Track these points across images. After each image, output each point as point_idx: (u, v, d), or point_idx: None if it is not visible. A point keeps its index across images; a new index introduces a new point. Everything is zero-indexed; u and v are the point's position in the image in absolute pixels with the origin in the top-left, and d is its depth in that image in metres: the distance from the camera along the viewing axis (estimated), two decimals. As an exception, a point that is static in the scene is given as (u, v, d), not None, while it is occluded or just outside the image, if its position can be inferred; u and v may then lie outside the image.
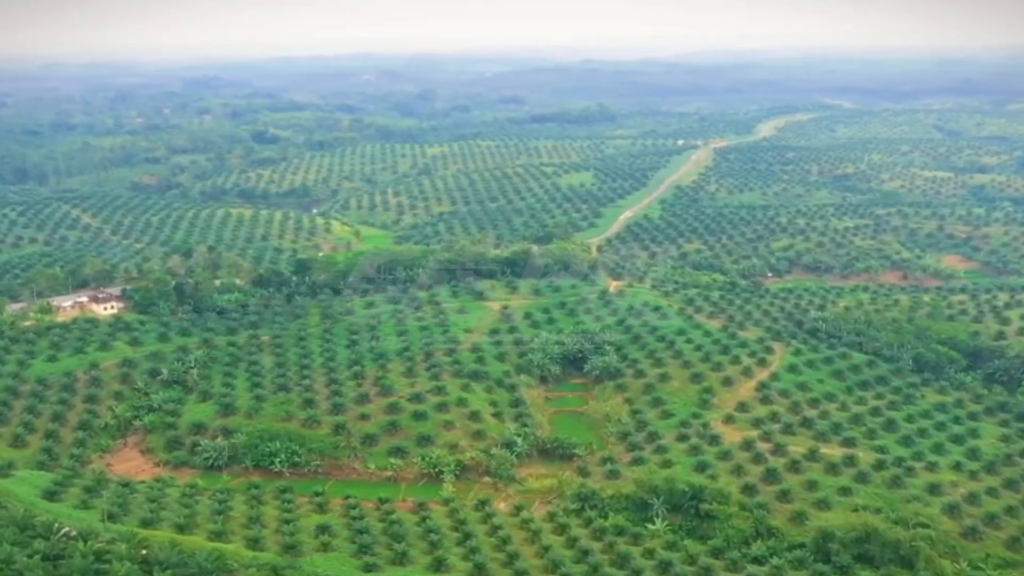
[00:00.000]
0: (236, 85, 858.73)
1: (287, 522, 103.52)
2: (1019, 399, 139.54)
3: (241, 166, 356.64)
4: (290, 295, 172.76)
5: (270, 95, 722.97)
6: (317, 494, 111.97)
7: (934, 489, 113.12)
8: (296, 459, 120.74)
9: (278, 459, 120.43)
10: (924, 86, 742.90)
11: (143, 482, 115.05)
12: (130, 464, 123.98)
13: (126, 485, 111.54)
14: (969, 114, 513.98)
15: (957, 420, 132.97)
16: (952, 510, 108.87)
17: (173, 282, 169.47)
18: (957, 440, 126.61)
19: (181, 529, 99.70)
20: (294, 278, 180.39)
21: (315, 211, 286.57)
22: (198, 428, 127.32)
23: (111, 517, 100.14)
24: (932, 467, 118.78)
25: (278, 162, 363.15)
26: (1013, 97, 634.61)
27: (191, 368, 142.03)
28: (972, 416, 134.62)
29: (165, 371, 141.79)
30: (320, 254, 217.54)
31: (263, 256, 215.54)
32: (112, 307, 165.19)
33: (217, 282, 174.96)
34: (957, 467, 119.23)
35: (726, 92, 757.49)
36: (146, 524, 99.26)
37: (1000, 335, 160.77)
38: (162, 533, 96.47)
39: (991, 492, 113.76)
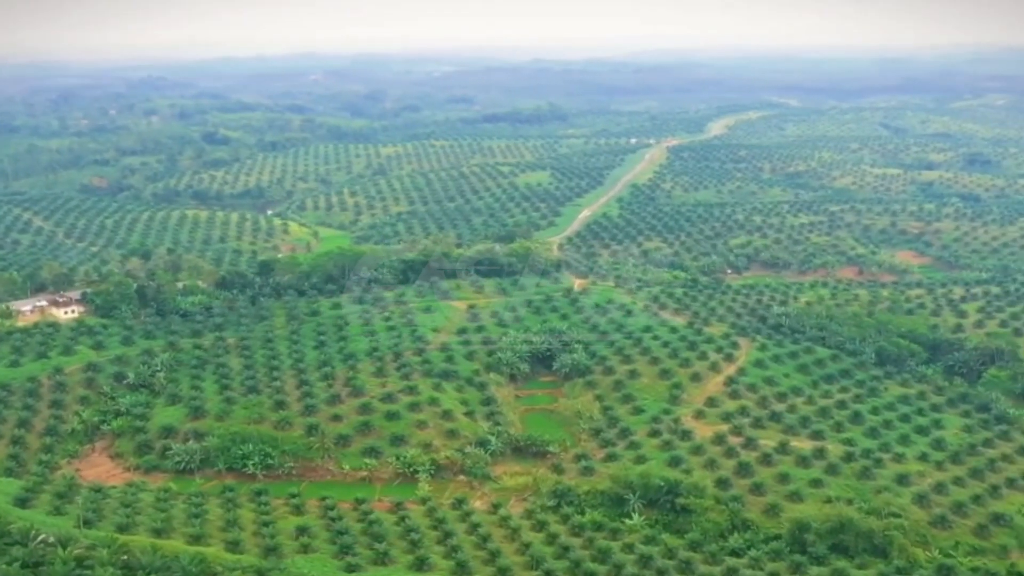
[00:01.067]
0: (181, 86, 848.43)
1: (265, 524, 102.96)
2: (979, 390, 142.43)
3: (193, 167, 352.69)
4: (254, 297, 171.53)
5: (217, 96, 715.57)
6: (293, 496, 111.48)
7: (903, 479, 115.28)
8: (269, 461, 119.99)
9: (251, 461, 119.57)
10: (868, 84, 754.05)
11: (115, 487, 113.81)
12: (100, 469, 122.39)
13: (98, 490, 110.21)
14: (914, 112, 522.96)
15: (921, 412, 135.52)
16: (921, 500, 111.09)
17: (135, 285, 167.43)
18: (922, 431, 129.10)
19: (158, 533, 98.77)
20: (257, 279, 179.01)
21: (270, 212, 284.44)
22: (168, 432, 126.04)
23: (86, 523, 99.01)
24: (899, 458, 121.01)
25: (231, 163, 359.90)
26: (955, 95, 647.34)
27: (158, 371, 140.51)
28: (935, 408, 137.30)
29: (131, 375, 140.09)
30: (279, 255, 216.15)
31: (222, 258, 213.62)
32: (73, 311, 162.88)
33: (179, 284, 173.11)
34: (923, 458, 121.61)
35: (674, 91, 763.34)
36: (122, 529, 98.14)
37: (958, 328, 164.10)
38: (140, 538, 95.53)
39: (958, 481, 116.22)
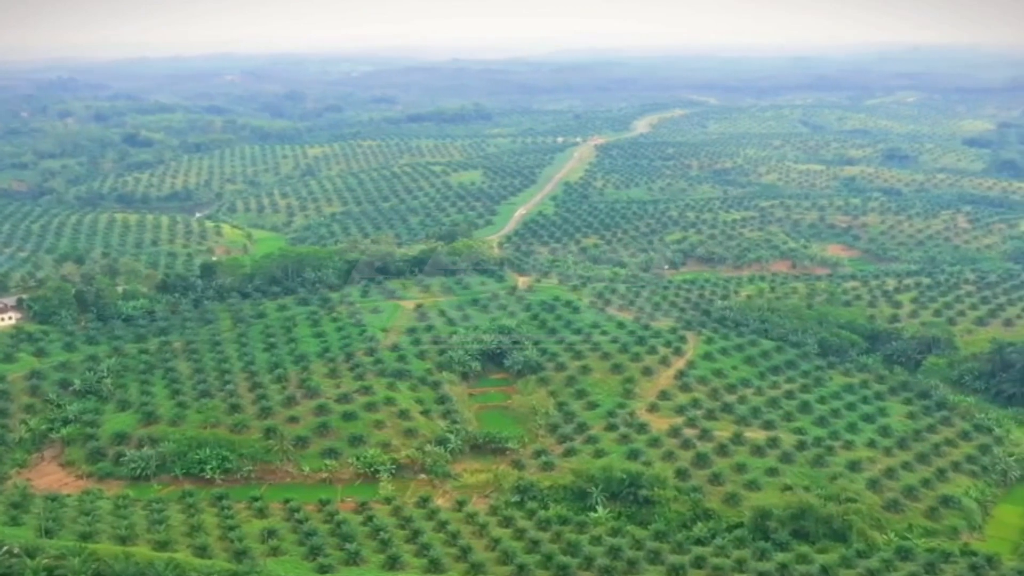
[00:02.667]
0: (94, 87, 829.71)
1: (230, 528, 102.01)
2: (919, 378, 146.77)
3: (116, 170, 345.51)
4: (197, 300, 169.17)
5: (132, 97, 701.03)
6: (255, 499, 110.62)
7: (854, 466, 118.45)
8: (227, 465, 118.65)
9: (209, 466, 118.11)
10: (783, 83, 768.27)
11: (70, 496, 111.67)
12: (51, 478, 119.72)
13: (55, 499, 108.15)
14: (831, 109, 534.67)
15: (865, 400, 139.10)
16: (874, 485, 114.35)
17: (73, 290, 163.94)
18: (868, 419, 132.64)
19: (123, 541, 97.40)
20: (199, 282, 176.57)
21: (199, 215, 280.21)
22: (120, 438, 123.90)
23: (47, 532, 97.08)
24: (849, 445, 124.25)
25: (155, 165, 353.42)
26: (868, 93, 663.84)
27: (104, 377, 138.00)
28: (878, 396, 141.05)
29: (77, 381, 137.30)
30: (214, 258, 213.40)
31: (157, 261, 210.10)
32: (10, 317, 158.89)
33: (120, 289, 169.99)
34: (872, 444, 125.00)
35: (594, 90, 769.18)
36: (85, 538, 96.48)
37: (894, 318, 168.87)
38: (107, 546, 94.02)
39: (906, 466, 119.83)
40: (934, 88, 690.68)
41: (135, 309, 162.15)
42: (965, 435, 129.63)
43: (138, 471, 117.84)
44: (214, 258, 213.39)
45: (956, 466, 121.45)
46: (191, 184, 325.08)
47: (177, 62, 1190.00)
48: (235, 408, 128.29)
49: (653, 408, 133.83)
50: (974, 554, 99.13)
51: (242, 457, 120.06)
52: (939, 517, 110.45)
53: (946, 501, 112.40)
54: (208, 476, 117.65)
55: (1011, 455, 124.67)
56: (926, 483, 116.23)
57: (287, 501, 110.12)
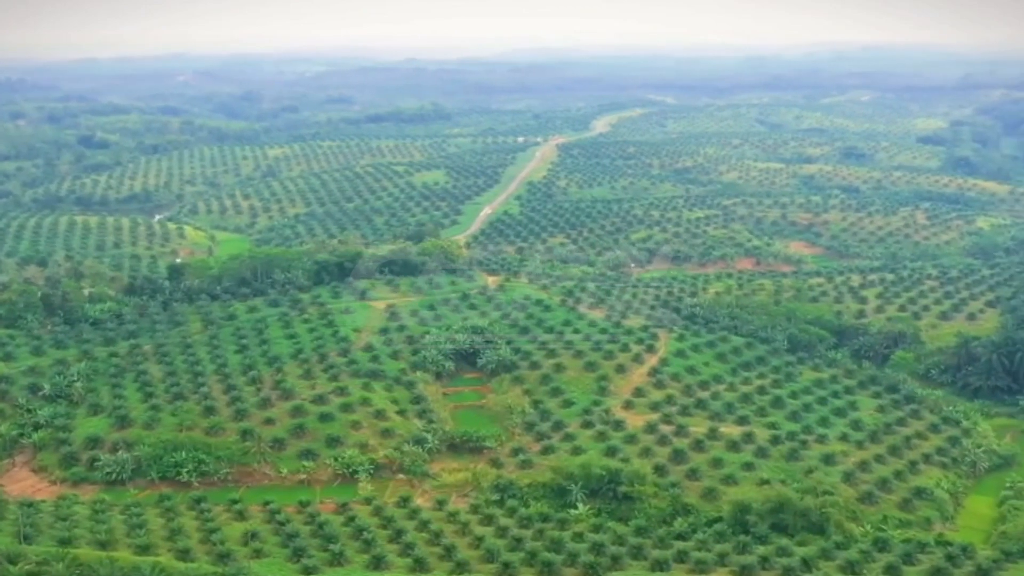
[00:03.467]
0: (44, 88, 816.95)
1: (211, 531, 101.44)
2: (887, 372, 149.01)
3: (73, 172, 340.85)
4: (166, 302, 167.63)
5: (84, 98, 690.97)
6: (234, 502, 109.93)
7: (828, 459, 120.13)
8: (204, 468, 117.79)
9: (185, 469, 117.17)
10: (738, 82, 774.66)
11: (44, 501, 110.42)
12: (24, 484, 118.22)
13: (30, 505, 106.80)
14: (787, 108, 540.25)
15: (836, 395, 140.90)
16: (848, 478, 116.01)
17: (39, 293, 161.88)
18: (839, 413, 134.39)
19: (103, 546, 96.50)
20: (167, 284, 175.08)
21: (159, 216, 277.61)
22: (94, 443, 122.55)
23: (25, 538, 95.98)
24: (822, 439, 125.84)
25: (112, 167, 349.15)
26: (822, 92, 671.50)
27: (74, 381, 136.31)
28: (848, 390, 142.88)
29: (46, 386, 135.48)
30: (178, 260, 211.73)
31: (122, 264, 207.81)
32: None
33: (86, 292, 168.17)
34: (844, 438, 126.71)
35: (552, 90, 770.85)
36: (64, 543, 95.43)
37: (860, 314, 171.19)
38: (89, 551, 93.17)
39: (879, 459, 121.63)
40: (887, 87, 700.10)
41: (103, 312, 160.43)
42: (934, 428, 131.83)
43: (113, 475, 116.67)
44: (178, 260, 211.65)
45: (927, 458, 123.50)
46: (150, 186, 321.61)
47: (127, 63, 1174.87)
48: (210, 410, 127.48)
49: (628, 405, 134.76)
50: (949, 544, 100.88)
51: (219, 460, 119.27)
52: (913, 509, 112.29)
53: (919, 493, 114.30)
54: (185, 479, 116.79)
55: (979, 447, 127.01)
56: (899, 475, 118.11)
57: (267, 503, 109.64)
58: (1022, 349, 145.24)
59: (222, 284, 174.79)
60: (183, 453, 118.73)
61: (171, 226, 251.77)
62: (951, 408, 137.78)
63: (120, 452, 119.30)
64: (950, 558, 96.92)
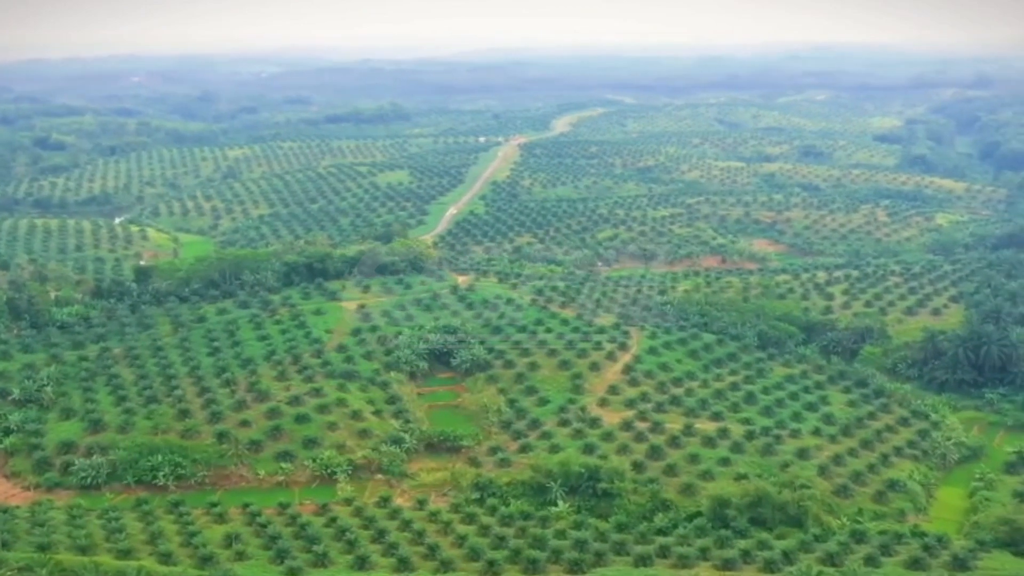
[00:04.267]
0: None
1: (192, 535, 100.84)
2: (856, 367, 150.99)
3: (30, 174, 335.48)
4: (134, 305, 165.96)
5: (35, 99, 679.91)
6: (213, 504, 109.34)
7: (803, 454, 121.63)
8: (181, 471, 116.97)
9: (161, 472, 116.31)
10: (695, 82, 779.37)
11: (19, 507, 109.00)
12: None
13: (5, 511, 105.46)
14: (745, 107, 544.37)
15: (807, 390, 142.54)
16: (823, 471, 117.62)
17: (4, 297, 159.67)
18: (811, 408, 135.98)
19: (83, 551, 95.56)
20: (135, 287, 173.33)
21: (120, 219, 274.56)
22: (67, 447, 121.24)
23: (4, 545, 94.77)
24: (796, 434, 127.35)
25: (70, 169, 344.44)
26: (778, 91, 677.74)
27: (44, 386, 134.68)
28: (818, 385, 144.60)
29: (15, 391, 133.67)
30: (142, 262, 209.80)
31: (85, 266, 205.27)
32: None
33: (52, 295, 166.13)
34: (817, 432, 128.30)
35: (510, 89, 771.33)
36: (43, 549, 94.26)
37: (827, 310, 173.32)
38: (70, 556, 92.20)
39: (852, 453, 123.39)
40: (841, 86, 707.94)
41: (70, 315, 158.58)
42: (904, 421, 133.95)
43: (88, 480, 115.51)
44: (142, 262, 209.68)
45: (898, 451, 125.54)
46: (109, 188, 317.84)
47: (77, 63, 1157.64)
48: (185, 413, 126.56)
49: (604, 403, 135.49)
50: (924, 535, 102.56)
51: (195, 463, 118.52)
52: (887, 501, 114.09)
53: (892, 485, 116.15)
54: (161, 483, 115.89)
55: (948, 439, 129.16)
56: (872, 468, 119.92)
57: (246, 505, 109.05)
58: (987, 343, 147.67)
59: (190, 286, 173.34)
60: (159, 456, 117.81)
61: (133, 228, 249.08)
62: (919, 402, 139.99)
63: (95, 456, 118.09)
64: (927, 548, 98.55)
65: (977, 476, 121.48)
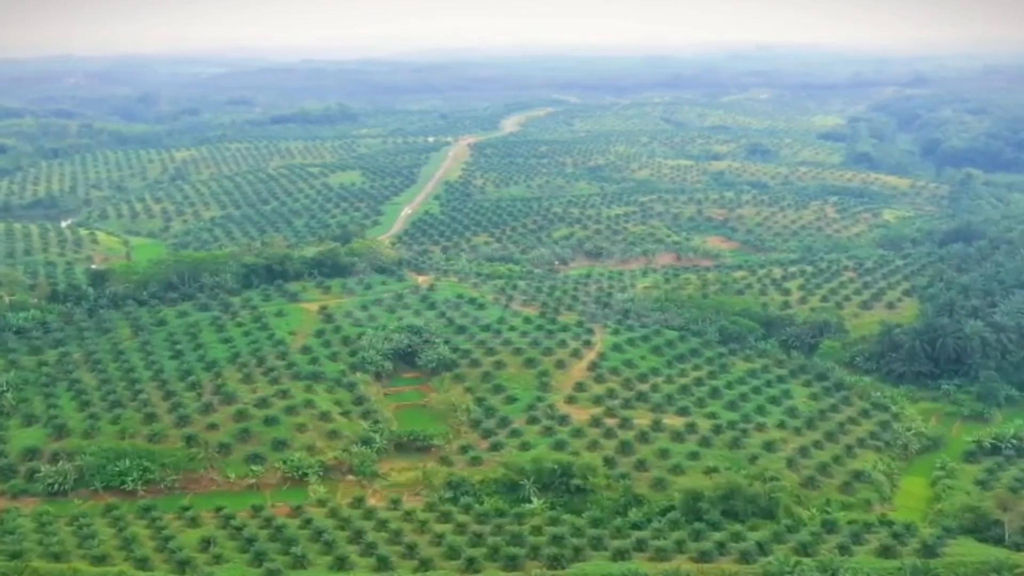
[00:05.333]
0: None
1: (167, 539, 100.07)
2: (816, 361, 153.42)
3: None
4: (91, 309, 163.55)
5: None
6: (185, 509, 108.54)
7: (770, 446, 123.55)
8: (149, 476, 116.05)
9: (130, 478, 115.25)
10: (639, 81, 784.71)
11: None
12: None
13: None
14: (691, 106, 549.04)
15: (769, 384, 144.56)
16: (790, 463, 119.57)
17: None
18: (774, 401, 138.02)
19: (57, 558, 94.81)
20: (91, 291, 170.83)
21: (67, 222, 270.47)
22: (32, 454, 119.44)
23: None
24: (762, 427, 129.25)
25: (12, 172, 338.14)
26: (722, 90, 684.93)
27: (4, 392, 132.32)
28: (780, 379, 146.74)
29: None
30: (94, 266, 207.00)
31: (36, 271, 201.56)
32: None
33: (7, 300, 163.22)
34: (782, 425, 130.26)
35: (456, 89, 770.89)
36: (15, 557, 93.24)
37: (785, 305, 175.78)
38: (44, 564, 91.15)
39: (817, 445, 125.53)
40: (783, 85, 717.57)
41: (27, 320, 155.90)
42: (865, 413, 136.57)
43: (55, 487, 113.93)
44: (94, 266, 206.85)
45: (861, 442, 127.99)
46: (55, 191, 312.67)
47: (8, 65, 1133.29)
48: (151, 418, 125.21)
49: (571, 400, 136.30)
50: (892, 523, 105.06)
51: (164, 467, 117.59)
52: (853, 491, 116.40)
53: (857, 476, 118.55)
54: (130, 488, 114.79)
55: (909, 430, 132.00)
56: (837, 460, 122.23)
57: (219, 509, 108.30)
58: (943, 336, 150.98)
59: (148, 289, 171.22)
60: (127, 461, 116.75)
61: (83, 232, 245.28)
62: (879, 394, 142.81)
63: (61, 463, 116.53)
64: (896, 536, 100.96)
65: (938, 465, 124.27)
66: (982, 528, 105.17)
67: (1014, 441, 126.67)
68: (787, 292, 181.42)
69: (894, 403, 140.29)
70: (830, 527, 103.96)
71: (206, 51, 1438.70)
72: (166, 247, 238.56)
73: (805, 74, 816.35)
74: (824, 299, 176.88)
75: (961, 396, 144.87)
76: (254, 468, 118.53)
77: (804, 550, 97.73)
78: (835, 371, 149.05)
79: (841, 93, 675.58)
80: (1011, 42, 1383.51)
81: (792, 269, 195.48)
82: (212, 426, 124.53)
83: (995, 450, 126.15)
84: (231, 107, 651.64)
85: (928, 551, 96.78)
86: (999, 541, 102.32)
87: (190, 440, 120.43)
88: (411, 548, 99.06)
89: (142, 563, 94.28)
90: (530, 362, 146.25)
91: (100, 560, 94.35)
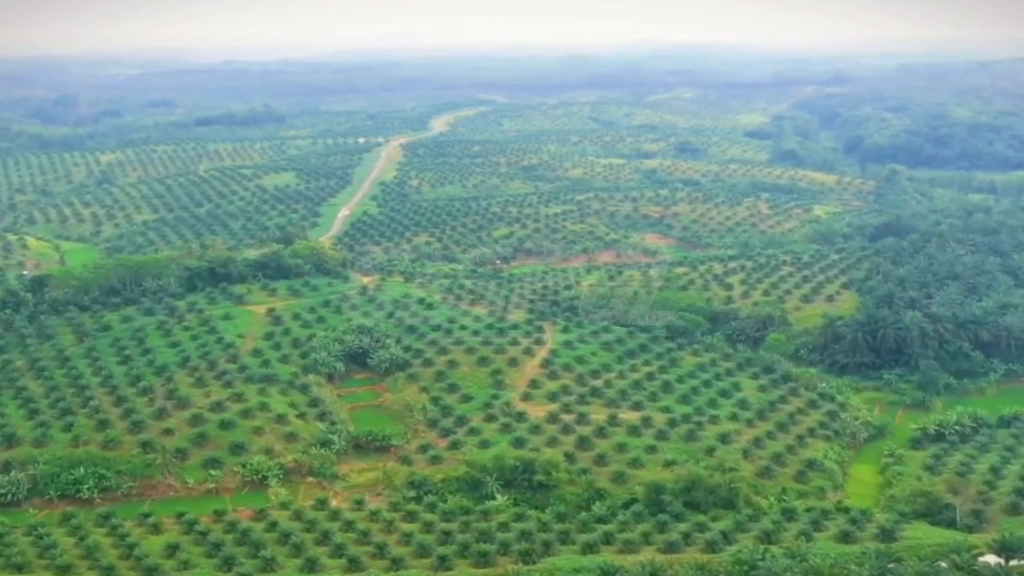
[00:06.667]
0: None
1: (130, 547, 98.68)
2: (762, 354, 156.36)
3: None
4: (31, 315, 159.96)
5: None
6: (146, 515, 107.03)
7: (725, 438, 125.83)
8: (106, 483, 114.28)
9: (86, 486, 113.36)
10: (564, 81, 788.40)
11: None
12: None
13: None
14: (617, 106, 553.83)
15: (718, 377, 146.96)
16: (746, 454, 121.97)
17: None
18: (725, 394, 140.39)
19: (19, 568, 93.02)
20: (30, 296, 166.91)
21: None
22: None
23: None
24: (715, 420, 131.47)
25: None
26: (647, 89, 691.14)
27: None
28: (729, 372, 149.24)
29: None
30: (25, 272, 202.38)
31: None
32: None
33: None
34: (735, 417, 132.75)
35: (381, 90, 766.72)
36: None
37: (728, 300, 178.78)
38: (7, 575, 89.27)
39: (769, 436, 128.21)
40: (706, 84, 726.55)
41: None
42: (813, 404, 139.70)
43: (8, 496, 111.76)
44: (26, 272, 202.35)
45: (811, 432, 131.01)
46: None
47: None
48: (104, 424, 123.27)
49: (527, 397, 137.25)
50: (848, 510, 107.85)
51: (120, 474, 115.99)
52: (807, 480, 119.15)
53: (810, 464, 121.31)
54: (86, 496, 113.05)
55: (856, 419, 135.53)
56: (790, 450, 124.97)
57: (180, 515, 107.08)
58: (883, 327, 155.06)
59: (90, 294, 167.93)
60: (82, 469, 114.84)
61: (11, 237, 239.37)
62: (824, 385, 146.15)
63: (13, 472, 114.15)
64: (853, 522, 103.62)
65: (886, 453, 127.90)
66: (934, 512, 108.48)
67: (957, 427, 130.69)
68: (729, 287, 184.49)
69: (839, 393, 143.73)
70: (790, 515, 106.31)
71: (121, 52, 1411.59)
72: (99, 252, 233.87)
73: (727, 73, 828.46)
74: (766, 293, 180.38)
75: (903, 385, 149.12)
76: (212, 473, 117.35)
77: (767, 538, 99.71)
78: (781, 363, 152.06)
79: (763, 92, 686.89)
80: (924, 42, 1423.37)
81: (732, 265, 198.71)
82: (167, 431, 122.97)
83: (939, 436, 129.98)
84: (152, 109, 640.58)
85: (886, 536, 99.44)
86: (951, 524, 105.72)
87: (146, 446, 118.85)
88: (380, 548, 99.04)
89: (108, 572, 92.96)
90: (483, 360, 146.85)
91: (64, 570, 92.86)
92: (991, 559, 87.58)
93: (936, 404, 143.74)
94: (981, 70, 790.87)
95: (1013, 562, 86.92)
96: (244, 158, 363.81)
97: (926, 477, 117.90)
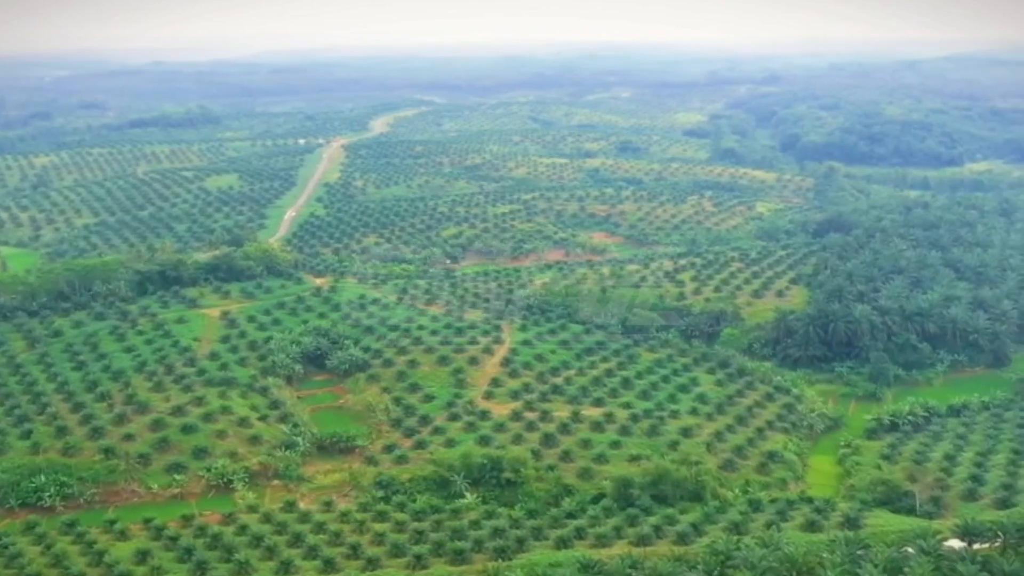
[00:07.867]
0: None
1: (99, 554, 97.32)
2: (716, 349, 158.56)
3: None
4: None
5: None
6: (112, 522, 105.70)
7: (687, 432, 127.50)
8: (67, 491, 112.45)
9: (47, 493, 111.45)
10: (500, 81, 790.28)
11: None
12: None
13: None
14: (556, 105, 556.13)
15: (676, 372, 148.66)
16: (709, 448, 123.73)
17: None
18: (684, 389, 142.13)
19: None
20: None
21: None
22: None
23: None
24: (676, 415, 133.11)
25: None
26: (585, 89, 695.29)
27: None
28: (685, 368, 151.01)
29: None
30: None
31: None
32: None
33: None
34: (695, 412, 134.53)
35: (317, 91, 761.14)
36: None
37: (681, 296, 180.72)
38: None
39: (730, 429, 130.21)
40: (642, 84, 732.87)
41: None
42: (769, 397, 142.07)
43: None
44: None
45: (770, 425, 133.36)
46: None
47: None
48: (63, 431, 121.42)
49: (489, 395, 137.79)
50: (812, 500, 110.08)
51: (82, 481, 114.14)
52: (769, 471, 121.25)
53: (771, 456, 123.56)
54: (48, 504, 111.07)
55: (812, 411, 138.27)
56: (751, 442, 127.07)
57: (147, 520, 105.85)
58: (834, 320, 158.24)
59: (38, 299, 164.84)
60: (42, 477, 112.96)
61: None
62: (779, 378, 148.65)
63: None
64: (818, 511, 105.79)
65: (843, 443, 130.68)
66: (893, 500, 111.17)
67: (910, 417, 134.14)
68: (681, 284, 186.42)
69: (794, 386, 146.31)
70: (756, 506, 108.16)
71: (45, 53, 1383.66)
72: (40, 256, 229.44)
73: (662, 72, 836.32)
74: (717, 289, 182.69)
75: (854, 377, 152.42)
76: (177, 477, 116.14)
77: (736, 529, 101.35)
78: (736, 358, 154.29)
79: (699, 91, 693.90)
80: (850, 42, 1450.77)
81: (682, 262, 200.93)
82: (128, 436, 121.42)
83: (894, 426, 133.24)
84: (83, 111, 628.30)
85: (851, 524, 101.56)
86: (911, 511, 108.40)
87: (108, 452, 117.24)
88: (354, 548, 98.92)
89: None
90: (443, 360, 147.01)
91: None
92: (955, 544, 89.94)
93: (887, 395, 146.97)
94: (909, 69, 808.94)
95: (976, 546, 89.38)
96: (183, 160, 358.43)
97: (884, 466, 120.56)
